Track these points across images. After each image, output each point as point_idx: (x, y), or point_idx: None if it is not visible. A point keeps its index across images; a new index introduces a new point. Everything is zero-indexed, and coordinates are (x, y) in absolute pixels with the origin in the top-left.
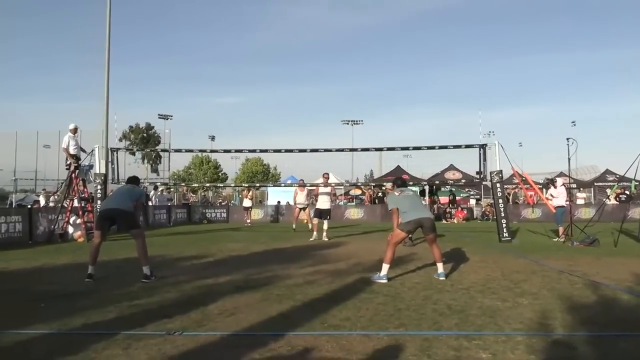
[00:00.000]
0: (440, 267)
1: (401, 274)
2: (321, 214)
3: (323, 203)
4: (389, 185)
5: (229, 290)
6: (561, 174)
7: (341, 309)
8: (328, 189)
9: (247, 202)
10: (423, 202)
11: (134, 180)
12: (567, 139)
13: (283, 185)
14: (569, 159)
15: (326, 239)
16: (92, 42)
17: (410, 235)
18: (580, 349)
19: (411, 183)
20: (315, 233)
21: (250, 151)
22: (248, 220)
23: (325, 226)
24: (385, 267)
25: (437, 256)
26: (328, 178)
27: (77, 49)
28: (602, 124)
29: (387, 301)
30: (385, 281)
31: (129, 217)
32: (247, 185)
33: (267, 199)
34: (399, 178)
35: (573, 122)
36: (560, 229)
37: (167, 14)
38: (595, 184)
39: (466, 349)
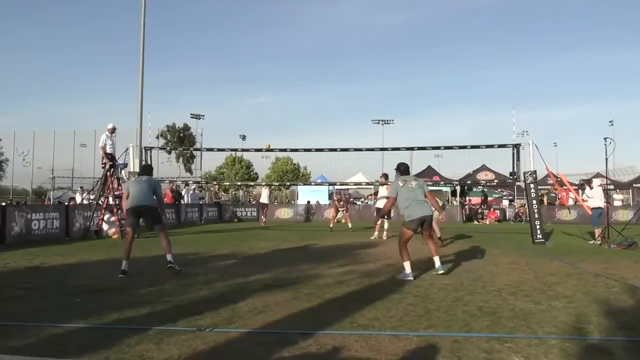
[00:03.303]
0: (437, 260)
1: (431, 275)
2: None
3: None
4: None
5: (258, 288)
6: (598, 175)
7: (370, 309)
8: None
9: (264, 199)
10: (423, 193)
11: (148, 171)
12: (605, 138)
13: (313, 184)
14: (606, 160)
15: (385, 238)
16: (130, 43)
17: (439, 236)
18: (617, 354)
19: (442, 183)
20: (376, 232)
21: (281, 150)
22: (263, 218)
23: (385, 225)
24: (406, 265)
25: (433, 250)
26: (387, 178)
27: (114, 50)
28: None
29: (417, 302)
30: (411, 278)
31: (155, 212)
32: (265, 183)
33: (297, 198)
34: (403, 163)
35: (611, 121)
36: (597, 231)
37: (199, 16)
38: (634, 185)
39: (498, 351)
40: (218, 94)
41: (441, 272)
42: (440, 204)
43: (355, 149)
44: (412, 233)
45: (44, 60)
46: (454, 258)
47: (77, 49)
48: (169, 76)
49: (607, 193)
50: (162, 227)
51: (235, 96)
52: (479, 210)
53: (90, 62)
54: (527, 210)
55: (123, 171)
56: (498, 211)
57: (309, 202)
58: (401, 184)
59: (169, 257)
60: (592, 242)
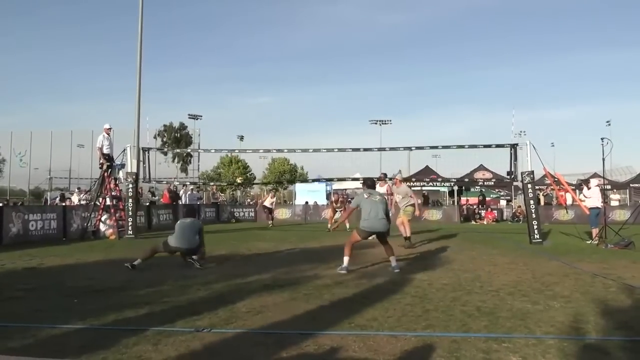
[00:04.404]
0: (393, 260)
1: (429, 275)
2: None
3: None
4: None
5: (257, 289)
6: (595, 175)
7: (369, 309)
8: (384, 189)
9: (267, 204)
10: (385, 210)
11: (193, 213)
12: (602, 138)
13: (310, 181)
14: (603, 160)
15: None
16: (129, 43)
17: (408, 235)
18: (614, 354)
19: (440, 183)
20: None
21: (278, 151)
22: (270, 222)
23: None
24: (345, 259)
25: (388, 252)
26: (385, 177)
27: (113, 50)
28: (638, 124)
29: (415, 302)
30: (345, 272)
31: (194, 251)
32: (272, 187)
33: (294, 199)
34: (370, 179)
35: (608, 121)
36: (594, 231)
37: (199, 16)
38: (631, 185)
39: (495, 351)
40: (217, 94)
41: (397, 270)
42: (413, 201)
43: (353, 149)
44: (360, 239)
45: (42, 60)
46: (451, 259)
47: (76, 49)
48: (168, 76)
49: (604, 193)
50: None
51: (234, 96)
52: (477, 210)
53: (88, 62)
54: (524, 210)
55: (120, 172)
56: (496, 211)
57: (307, 202)
58: (366, 196)
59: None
60: (589, 242)
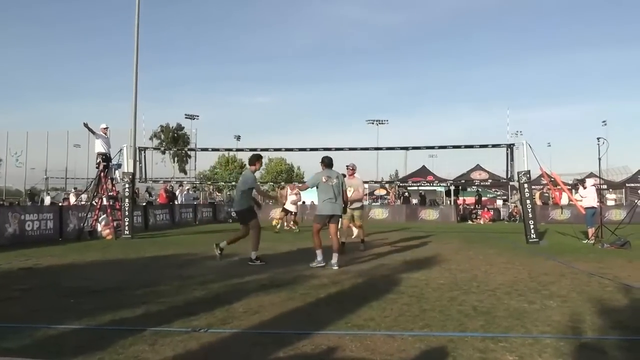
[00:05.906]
0: (335, 256)
1: (426, 275)
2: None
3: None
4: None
5: (254, 288)
6: (591, 175)
7: (365, 309)
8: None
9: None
10: (340, 192)
11: (250, 160)
12: (598, 138)
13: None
14: (599, 160)
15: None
16: (124, 43)
17: (362, 238)
18: (611, 354)
19: (436, 183)
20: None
21: (275, 150)
22: (292, 225)
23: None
24: (318, 253)
25: (335, 246)
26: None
27: (108, 50)
28: (634, 124)
29: (412, 302)
30: (323, 264)
31: (244, 214)
32: (282, 183)
33: None
34: (327, 157)
35: (604, 121)
36: (590, 231)
37: (194, 15)
38: (627, 185)
39: (492, 351)
40: (213, 93)
41: (335, 267)
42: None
43: (350, 148)
44: (320, 226)
45: (39, 59)
46: (448, 259)
47: (72, 48)
48: (164, 75)
49: (600, 193)
50: (253, 225)
51: (230, 96)
52: (473, 210)
53: (85, 62)
54: (521, 209)
55: (117, 172)
56: (492, 211)
57: (303, 202)
58: (324, 180)
59: (252, 254)
60: (585, 241)
